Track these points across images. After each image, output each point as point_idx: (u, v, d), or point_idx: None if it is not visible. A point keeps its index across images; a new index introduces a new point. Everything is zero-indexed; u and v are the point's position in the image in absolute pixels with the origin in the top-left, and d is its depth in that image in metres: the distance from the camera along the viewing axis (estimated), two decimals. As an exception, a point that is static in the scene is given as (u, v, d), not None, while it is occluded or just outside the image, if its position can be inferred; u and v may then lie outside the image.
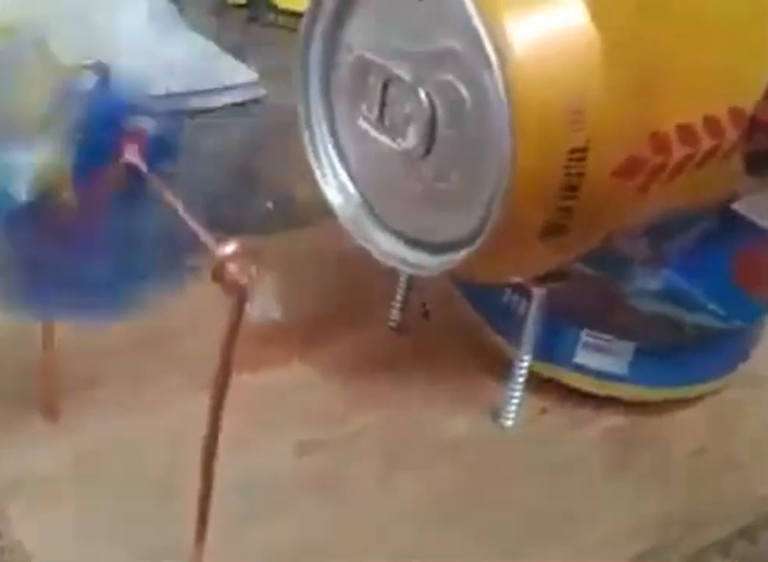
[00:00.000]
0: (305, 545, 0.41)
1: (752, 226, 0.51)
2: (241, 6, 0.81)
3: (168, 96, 0.65)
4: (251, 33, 0.79)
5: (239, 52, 0.75)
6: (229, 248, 0.29)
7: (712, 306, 0.47)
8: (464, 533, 0.43)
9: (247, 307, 0.29)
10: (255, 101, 0.70)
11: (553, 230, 0.37)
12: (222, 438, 0.33)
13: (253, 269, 0.29)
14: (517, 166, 0.35)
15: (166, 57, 0.69)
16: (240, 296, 0.29)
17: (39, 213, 0.33)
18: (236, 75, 0.72)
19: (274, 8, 0.80)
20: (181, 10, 0.78)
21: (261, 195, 0.61)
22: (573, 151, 0.35)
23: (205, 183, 0.54)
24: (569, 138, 0.35)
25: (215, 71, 0.71)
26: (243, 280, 0.29)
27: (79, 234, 0.33)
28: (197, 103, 0.67)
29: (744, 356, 0.50)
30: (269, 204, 0.61)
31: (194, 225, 0.29)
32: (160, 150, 0.36)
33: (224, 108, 0.70)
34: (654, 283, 0.47)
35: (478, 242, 0.37)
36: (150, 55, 0.66)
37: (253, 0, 0.81)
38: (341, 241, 0.45)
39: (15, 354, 0.45)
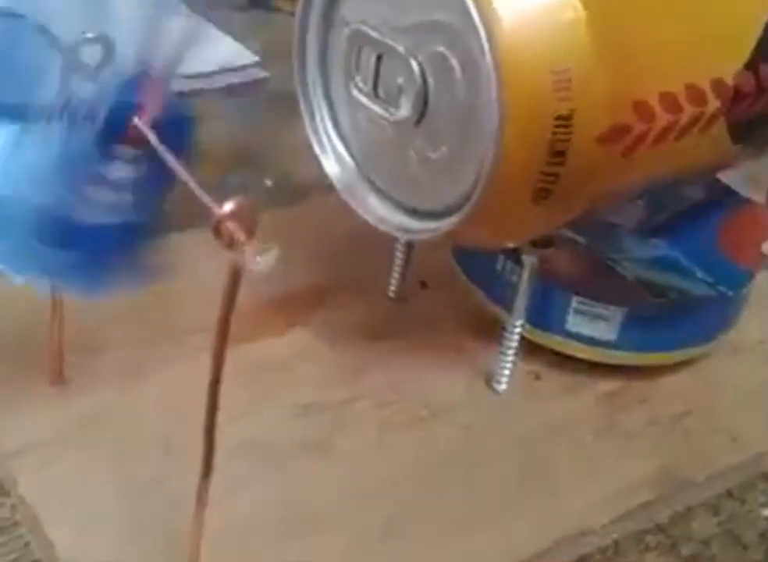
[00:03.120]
0: (303, 506, 0.42)
1: (737, 196, 0.53)
2: (242, -10, 0.83)
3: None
4: (252, 16, 0.81)
5: (240, 35, 0.77)
6: (228, 206, 0.30)
7: (700, 273, 0.49)
8: (457, 492, 0.44)
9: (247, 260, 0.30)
10: (255, 82, 0.72)
11: (541, 195, 0.38)
12: (221, 402, 0.34)
13: (251, 226, 0.30)
14: (506, 133, 0.36)
15: (167, 39, 0.71)
16: (238, 252, 0.30)
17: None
18: (237, 57, 0.73)
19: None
20: (183, -6, 0.79)
21: (260, 173, 0.63)
22: (559, 118, 0.36)
23: (205, 161, 0.56)
24: (555, 105, 0.36)
25: (216, 53, 0.72)
26: (242, 237, 0.30)
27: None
28: (198, 84, 0.68)
29: (732, 321, 0.51)
30: (268, 181, 0.62)
31: (194, 185, 0.31)
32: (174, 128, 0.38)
33: (225, 89, 0.71)
34: (643, 251, 0.49)
35: (468, 207, 0.38)
36: (151, 37, 0.68)
37: (254, -16, 0.82)
38: (340, 215, 0.47)
39: (21, 321, 0.46)
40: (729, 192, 0.52)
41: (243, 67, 0.72)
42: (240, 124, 0.67)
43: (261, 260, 0.29)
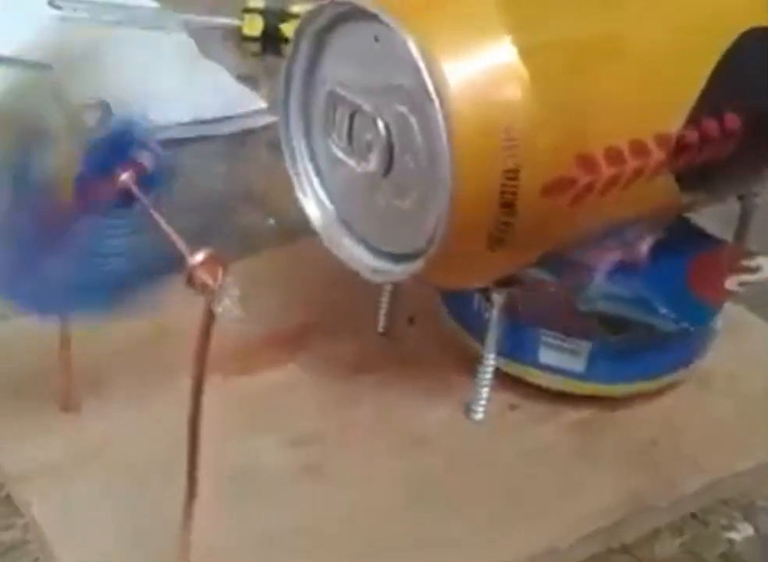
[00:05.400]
0: (294, 530, 0.45)
1: (704, 235, 0.56)
2: (255, 39, 0.87)
3: (185, 123, 0.71)
4: (264, 63, 0.85)
5: (252, 81, 0.81)
6: (200, 256, 0.34)
7: (663, 310, 0.51)
8: (438, 515, 0.47)
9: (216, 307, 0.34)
10: (265, 127, 0.76)
11: (497, 242, 0.42)
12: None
13: (220, 274, 0.34)
14: (458, 187, 0.40)
15: (184, 87, 0.75)
16: (209, 297, 0.34)
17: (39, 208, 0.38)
18: (248, 103, 0.77)
19: (286, 39, 0.86)
20: (199, 42, 0.84)
21: (264, 213, 0.67)
22: (506, 172, 0.40)
23: (213, 203, 0.60)
24: (502, 161, 0.40)
25: (225, 98, 0.76)
26: (212, 284, 0.34)
27: (67, 235, 0.39)
28: (207, 130, 0.73)
29: (698, 354, 0.54)
30: (271, 221, 0.66)
31: (173, 235, 0.35)
32: (155, 177, 0.42)
33: (237, 133, 0.76)
34: (610, 288, 0.51)
35: (429, 253, 0.42)
36: (168, 85, 0.72)
37: (266, 32, 0.87)
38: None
39: (34, 353, 0.50)
40: (696, 230, 0.55)
41: (253, 112, 0.77)
42: (248, 167, 0.72)
43: (228, 307, 0.33)
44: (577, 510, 0.48)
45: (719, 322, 0.56)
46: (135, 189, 0.38)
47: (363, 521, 0.46)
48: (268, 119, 0.75)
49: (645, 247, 0.50)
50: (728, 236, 0.56)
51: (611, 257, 0.51)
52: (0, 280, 0.40)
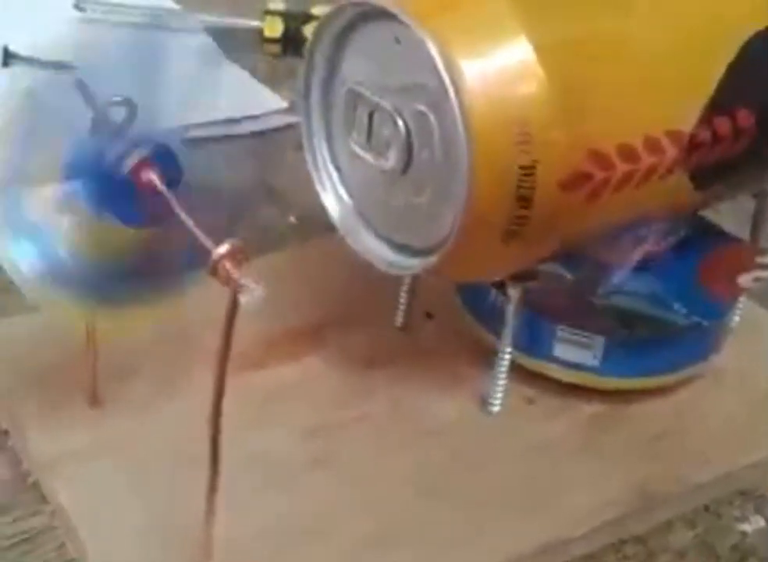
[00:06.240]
0: (304, 518, 0.47)
1: (718, 232, 0.57)
2: (276, 40, 0.88)
3: (207, 123, 0.72)
4: (285, 65, 0.86)
5: (273, 82, 0.82)
6: (223, 248, 0.35)
7: (676, 305, 0.52)
8: (447, 505, 0.48)
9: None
10: (286, 127, 0.77)
11: (512, 236, 0.43)
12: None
13: (245, 265, 0.35)
14: (475, 183, 0.41)
15: (206, 87, 0.77)
16: (233, 288, 0.35)
17: None
18: (269, 103, 0.79)
19: (306, 41, 0.87)
20: (221, 44, 0.86)
21: (285, 210, 0.68)
22: (522, 168, 0.41)
23: (235, 201, 0.61)
24: (518, 157, 0.41)
25: (248, 99, 0.78)
26: (236, 275, 0.35)
27: None
28: (229, 130, 0.74)
29: (711, 350, 0.55)
30: (292, 218, 0.68)
31: (195, 229, 0.36)
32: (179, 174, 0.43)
33: (258, 133, 0.77)
34: (622, 283, 0.52)
35: (445, 248, 0.43)
36: (190, 85, 0.73)
37: (287, 34, 0.88)
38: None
39: (61, 344, 0.51)
40: (711, 229, 0.56)
41: (274, 112, 0.78)
42: (269, 166, 0.73)
43: (251, 297, 0.34)
44: (588, 502, 0.49)
45: (735, 318, 0.57)
46: (159, 184, 0.39)
47: (372, 513, 0.47)
48: (289, 119, 0.77)
49: (668, 244, 0.51)
50: (743, 233, 0.57)
51: (627, 253, 0.52)
52: None
